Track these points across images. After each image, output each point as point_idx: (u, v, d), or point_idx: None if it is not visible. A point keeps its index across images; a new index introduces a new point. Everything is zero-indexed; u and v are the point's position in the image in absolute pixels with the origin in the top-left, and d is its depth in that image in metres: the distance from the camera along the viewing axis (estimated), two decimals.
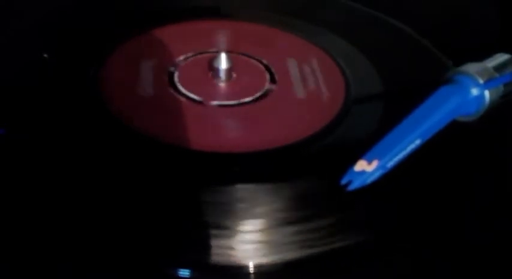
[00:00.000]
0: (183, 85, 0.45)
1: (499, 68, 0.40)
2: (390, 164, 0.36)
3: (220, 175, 0.39)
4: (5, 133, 0.39)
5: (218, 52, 0.46)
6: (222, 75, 0.46)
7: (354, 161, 0.36)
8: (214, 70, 0.46)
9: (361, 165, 0.36)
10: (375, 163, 0.36)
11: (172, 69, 0.47)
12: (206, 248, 0.34)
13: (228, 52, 0.47)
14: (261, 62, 0.48)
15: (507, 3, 0.55)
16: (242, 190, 0.38)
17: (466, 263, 0.36)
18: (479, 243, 0.37)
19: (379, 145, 0.37)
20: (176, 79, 0.46)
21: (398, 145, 0.36)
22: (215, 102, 0.44)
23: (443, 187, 0.40)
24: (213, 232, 0.35)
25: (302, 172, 0.39)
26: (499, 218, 0.38)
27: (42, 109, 0.42)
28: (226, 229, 0.36)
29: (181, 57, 0.48)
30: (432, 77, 0.41)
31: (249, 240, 0.36)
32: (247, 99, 0.45)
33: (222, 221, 0.36)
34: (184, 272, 0.34)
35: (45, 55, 0.46)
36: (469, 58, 0.41)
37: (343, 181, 0.36)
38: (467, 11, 0.56)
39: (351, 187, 0.36)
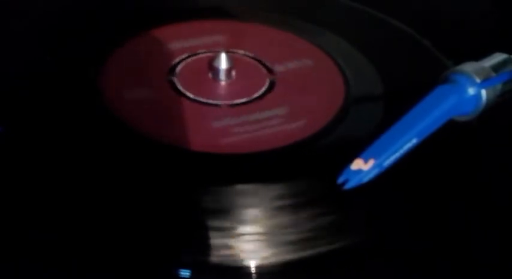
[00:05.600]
0: (182, 85, 0.45)
1: (496, 67, 0.40)
2: (387, 163, 0.36)
3: (220, 175, 0.39)
4: (3, 130, 0.40)
5: (218, 52, 0.46)
6: (222, 75, 0.46)
7: (352, 161, 0.36)
8: (214, 70, 0.46)
9: (357, 164, 0.36)
10: (371, 162, 0.36)
11: (172, 68, 0.47)
12: (206, 248, 0.35)
13: (228, 52, 0.47)
14: (261, 62, 0.49)
15: (507, 3, 0.55)
16: (242, 190, 0.38)
17: (466, 263, 0.36)
18: (478, 243, 0.37)
19: (376, 144, 0.37)
20: (176, 79, 0.46)
21: (395, 144, 0.36)
22: (215, 102, 0.44)
23: (440, 186, 0.40)
24: (213, 232, 0.35)
25: (302, 172, 0.39)
26: (498, 218, 0.38)
27: (42, 108, 0.42)
28: (226, 229, 0.36)
29: (181, 57, 0.48)
30: (432, 77, 0.41)
31: (249, 241, 0.36)
32: (247, 99, 0.45)
33: (222, 221, 0.36)
34: (185, 272, 0.34)
35: (48, 57, 0.46)
36: (469, 58, 0.41)
37: (340, 180, 0.36)
38: (467, 11, 0.56)
39: (348, 186, 0.36)
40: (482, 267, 0.36)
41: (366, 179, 0.36)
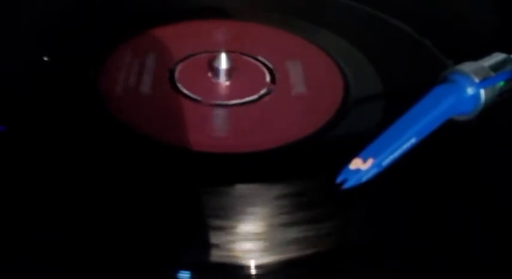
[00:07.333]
0: (183, 85, 0.45)
1: (495, 67, 0.40)
2: (385, 162, 0.36)
3: (220, 175, 0.39)
4: (5, 129, 0.40)
5: (218, 52, 0.46)
6: (222, 75, 0.46)
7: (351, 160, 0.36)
8: (214, 70, 0.46)
9: (356, 163, 0.36)
10: (370, 162, 0.36)
11: (172, 68, 0.47)
12: (206, 248, 0.35)
13: (228, 52, 0.47)
14: (261, 62, 0.49)
15: (507, 3, 0.55)
16: (242, 190, 0.38)
17: (466, 263, 0.36)
18: (478, 243, 0.37)
19: (375, 143, 0.36)
20: (176, 79, 0.46)
21: (394, 143, 0.36)
22: (215, 102, 0.44)
23: (440, 186, 0.40)
24: (213, 231, 0.35)
25: (302, 172, 0.39)
26: (498, 218, 0.38)
27: (42, 108, 0.42)
28: (226, 229, 0.36)
29: (181, 57, 0.48)
30: (432, 77, 0.41)
31: (249, 241, 0.36)
32: (247, 99, 0.45)
33: (222, 221, 0.36)
34: (184, 273, 0.34)
35: (46, 58, 0.46)
36: (469, 58, 0.41)
37: (339, 180, 0.36)
38: (467, 11, 0.56)
39: (346, 185, 0.36)
40: (482, 267, 0.36)
41: (364, 178, 0.36)
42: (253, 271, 0.34)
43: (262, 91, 0.46)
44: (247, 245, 0.35)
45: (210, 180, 0.38)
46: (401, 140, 0.37)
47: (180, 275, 0.34)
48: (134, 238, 0.35)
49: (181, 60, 0.48)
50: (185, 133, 0.41)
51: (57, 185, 0.37)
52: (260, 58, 0.49)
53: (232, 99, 0.45)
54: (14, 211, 0.35)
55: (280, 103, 0.45)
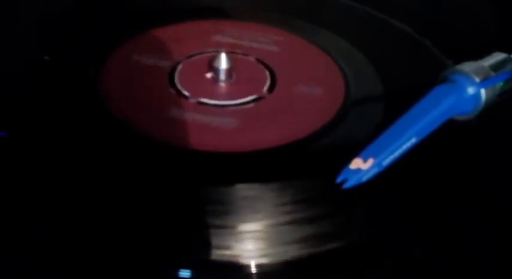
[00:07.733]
0: (183, 85, 0.45)
1: (496, 67, 0.40)
2: (386, 162, 0.36)
3: (220, 175, 0.39)
4: (6, 135, 0.40)
5: (218, 52, 0.46)
6: (222, 75, 0.46)
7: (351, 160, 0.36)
8: (214, 70, 0.46)
9: (356, 163, 0.36)
10: (370, 161, 0.36)
11: (172, 69, 0.47)
12: (206, 248, 0.35)
13: (228, 52, 0.47)
14: (261, 62, 0.49)
15: (507, 3, 0.55)
16: (242, 189, 0.38)
17: (466, 263, 0.36)
18: (478, 243, 0.37)
19: (375, 143, 0.36)
20: (176, 79, 0.46)
21: (394, 143, 0.36)
22: (215, 102, 0.44)
23: (440, 186, 0.40)
24: (213, 231, 0.35)
25: (302, 172, 0.39)
26: (498, 218, 0.38)
27: (42, 109, 0.42)
28: (227, 228, 0.36)
29: (181, 57, 0.48)
30: (432, 77, 0.41)
31: (249, 240, 0.36)
32: (246, 99, 0.45)
33: (222, 221, 0.36)
34: (185, 272, 0.34)
35: (46, 57, 0.46)
36: (469, 58, 0.41)
37: (339, 179, 0.36)
38: (467, 10, 0.56)
39: (346, 185, 0.36)
40: (482, 267, 0.36)
41: (364, 178, 0.36)
42: (253, 271, 0.34)
43: (262, 91, 0.46)
44: (247, 245, 0.35)
45: (210, 180, 0.38)
46: (402, 140, 0.36)
47: (181, 273, 0.34)
48: (134, 238, 0.35)
49: (182, 60, 0.48)
50: (185, 133, 0.41)
51: (57, 185, 0.37)
52: (260, 58, 0.49)
53: (232, 99, 0.45)
54: (14, 211, 0.35)
55: (280, 103, 0.45)
